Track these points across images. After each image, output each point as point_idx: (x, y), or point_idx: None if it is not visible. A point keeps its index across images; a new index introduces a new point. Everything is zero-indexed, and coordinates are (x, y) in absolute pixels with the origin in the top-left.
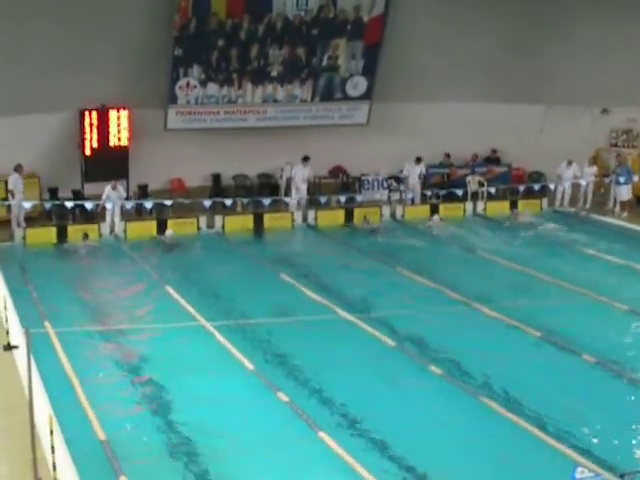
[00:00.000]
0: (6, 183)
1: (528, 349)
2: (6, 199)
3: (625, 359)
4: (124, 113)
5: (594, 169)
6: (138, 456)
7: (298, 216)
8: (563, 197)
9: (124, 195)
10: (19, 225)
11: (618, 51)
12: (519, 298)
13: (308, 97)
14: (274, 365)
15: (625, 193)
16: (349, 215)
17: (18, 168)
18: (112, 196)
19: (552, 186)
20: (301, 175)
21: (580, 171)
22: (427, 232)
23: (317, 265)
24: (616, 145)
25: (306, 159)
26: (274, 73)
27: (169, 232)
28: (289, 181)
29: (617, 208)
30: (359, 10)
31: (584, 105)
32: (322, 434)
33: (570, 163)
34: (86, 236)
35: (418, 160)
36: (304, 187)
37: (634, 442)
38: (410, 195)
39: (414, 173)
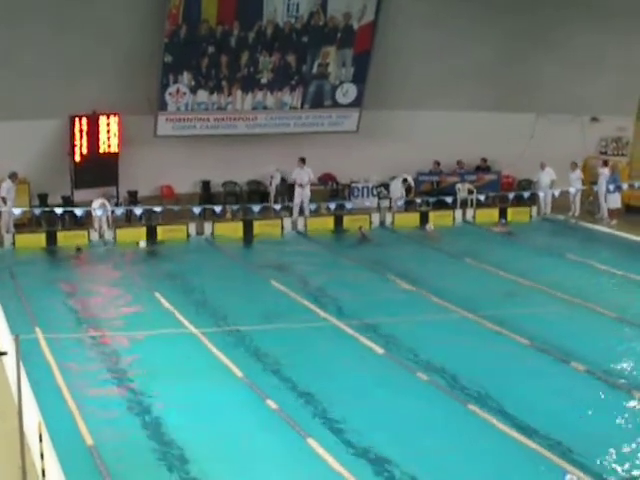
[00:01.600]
0: None
1: (517, 357)
2: None
3: (614, 366)
4: (114, 119)
5: (578, 173)
6: (126, 462)
7: (287, 223)
8: (545, 204)
9: (110, 210)
10: (8, 231)
11: (608, 60)
12: (508, 306)
13: (298, 104)
14: (263, 372)
15: (614, 201)
16: (339, 222)
17: (13, 176)
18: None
19: (541, 194)
20: (300, 178)
21: (555, 175)
22: (417, 240)
23: (307, 272)
24: (605, 153)
25: (303, 160)
26: (264, 80)
27: (142, 243)
28: (278, 188)
29: (606, 215)
30: (349, 18)
31: (574, 113)
32: (310, 440)
33: (543, 167)
34: (79, 250)
35: (404, 181)
36: (306, 191)
37: (623, 450)
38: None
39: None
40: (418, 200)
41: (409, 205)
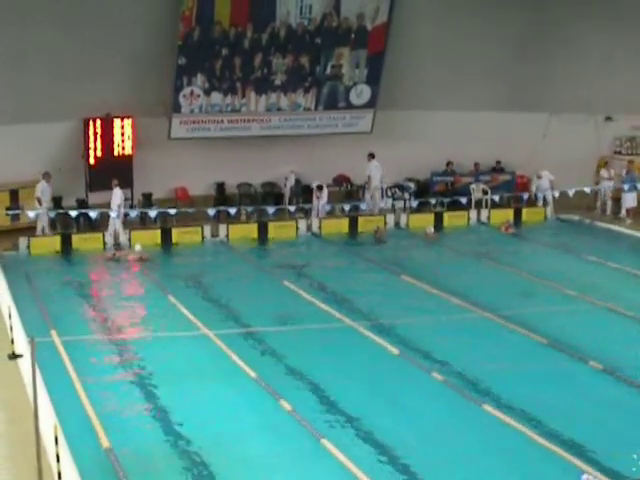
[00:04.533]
0: (12, 192)
1: (534, 356)
2: (10, 209)
3: (631, 365)
4: (128, 122)
5: (608, 171)
6: (142, 464)
7: (302, 225)
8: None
9: (120, 196)
10: (44, 231)
11: (622, 59)
12: (525, 305)
13: (312, 106)
14: (277, 373)
15: (631, 200)
16: (353, 223)
17: (46, 176)
18: (117, 194)
19: (556, 194)
20: (319, 196)
21: (552, 175)
22: (431, 240)
23: (321, 273)
24: (620, 152)
25: (320, 188)
26: (278, 82)
27: (137, 246)
28: (293, 189)
29: (621, 214)
30: (362, 19)
31: (588, 113)
32: (324, 441)
33: (540, 177)
34: (116, 250)
35: (371, 156)
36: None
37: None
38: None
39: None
40: (433, 200)
41: (424, 206)
